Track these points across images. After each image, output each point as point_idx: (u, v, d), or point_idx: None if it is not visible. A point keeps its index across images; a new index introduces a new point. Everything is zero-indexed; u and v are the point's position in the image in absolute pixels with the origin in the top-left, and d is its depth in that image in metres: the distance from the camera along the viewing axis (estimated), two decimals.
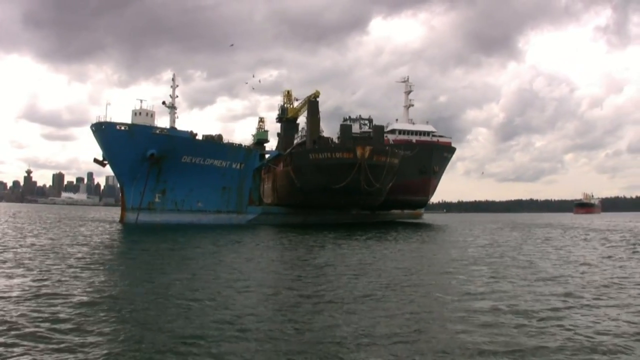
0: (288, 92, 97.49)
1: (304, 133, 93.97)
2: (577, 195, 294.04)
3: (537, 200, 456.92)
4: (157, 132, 64.91)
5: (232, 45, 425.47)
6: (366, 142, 78.21)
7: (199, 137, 70.01)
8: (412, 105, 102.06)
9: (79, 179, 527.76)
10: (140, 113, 67.71)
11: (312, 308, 13.88)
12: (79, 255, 25.91)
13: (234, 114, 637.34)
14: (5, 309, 13.06)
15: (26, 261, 22.82)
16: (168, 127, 69.56)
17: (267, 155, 79.12)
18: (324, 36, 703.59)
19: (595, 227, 77.26)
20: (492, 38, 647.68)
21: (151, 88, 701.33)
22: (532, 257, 28.53)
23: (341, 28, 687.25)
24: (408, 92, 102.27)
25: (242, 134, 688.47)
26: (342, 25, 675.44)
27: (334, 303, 14.56)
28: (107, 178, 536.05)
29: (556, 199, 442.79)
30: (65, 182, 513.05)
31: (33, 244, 31.20)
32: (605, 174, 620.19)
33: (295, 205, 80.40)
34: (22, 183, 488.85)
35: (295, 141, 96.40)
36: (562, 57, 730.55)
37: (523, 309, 13.96)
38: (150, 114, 68.60)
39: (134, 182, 65.66)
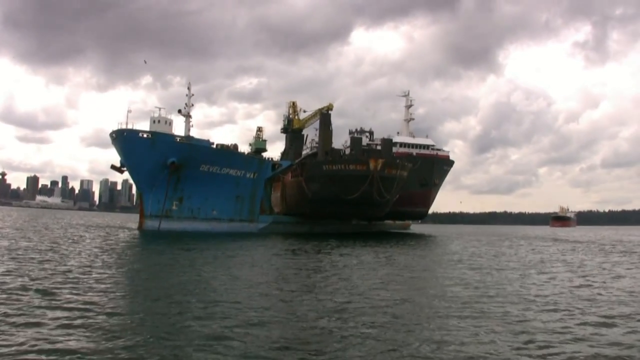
0: (293, 103, 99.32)
1: (314, 144, 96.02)
2: (551, 209, 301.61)
3: (511, 213, 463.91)
4: (178, 140, 65.89)
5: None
6: (378, 154, 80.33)
7: (213, 146, 71.13)
8: (413, 119, 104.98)
9: (54, 183, 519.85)
10: (159, 121, 68.36)
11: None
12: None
13: (210, 121, 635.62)
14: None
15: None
16: (183, 134, 70.46)
17: (278, 166, 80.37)
18: (304, 45, 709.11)
19: (603, 240, 79.65)
20: (472, 51, 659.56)
21: (130, 93, 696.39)
22: None
23: (322, 38, 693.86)
24: (408, 106, 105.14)
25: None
26: (323, 35, 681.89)
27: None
28: (82, 182, 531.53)
29: (530, 211, 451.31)
30: (39, 185, 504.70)
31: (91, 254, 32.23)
32: (579, 188, 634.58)
33: (304, 215, 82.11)
34: None
35: (304, 152, 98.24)
36: (540, 72, 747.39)
37: None
38: (169, 122, 69.31)
39: (153, 189, 66.27)
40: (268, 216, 78.95)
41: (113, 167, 70.56)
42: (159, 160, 63.44)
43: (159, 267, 25.79)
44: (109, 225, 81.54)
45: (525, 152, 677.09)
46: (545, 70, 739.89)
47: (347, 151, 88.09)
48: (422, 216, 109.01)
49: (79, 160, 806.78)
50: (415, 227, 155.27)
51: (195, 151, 65.92)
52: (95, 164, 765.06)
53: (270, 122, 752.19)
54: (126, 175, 71.54)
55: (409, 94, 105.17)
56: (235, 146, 74.78)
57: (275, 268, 27.27)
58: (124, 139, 63.97)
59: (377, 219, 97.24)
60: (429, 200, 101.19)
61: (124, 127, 64.14)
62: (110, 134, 66.24)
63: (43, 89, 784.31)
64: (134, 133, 63.60)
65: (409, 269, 28.75)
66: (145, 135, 63.52)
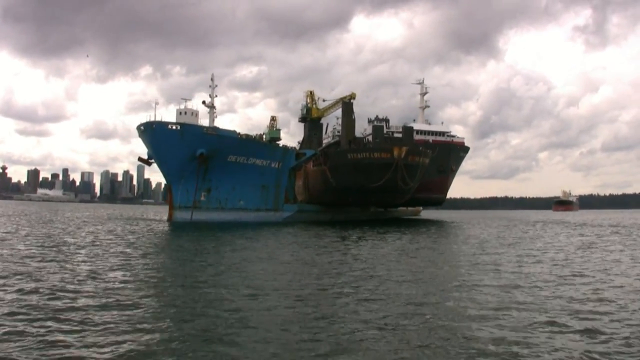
0: (311, 92, 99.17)
1: (336, 133, 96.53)
2: (551, 193, 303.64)
3: (512, 198, 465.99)
4: (205, 131, 65.97)
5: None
6: (400, 142, 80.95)
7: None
8: (428, 107, 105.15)
9: (54, 175, 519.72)
10: (185, 112, 68.43)
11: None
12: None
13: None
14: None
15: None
16: (207, 125, 70.56)
17: (301, 155, 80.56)
18: (304, 33, 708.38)
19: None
20: (472, 37, 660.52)
21: (129, 84, 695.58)
22: None
23: (322, 25, 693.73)
24: (423, 94, 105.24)
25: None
26: (323, 22, 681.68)
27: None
28: (83, 174, 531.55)
29: (530, 196, 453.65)
30: (40, 179, 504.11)
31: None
32: (580, 172, 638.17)
33: (328, 203, 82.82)
34: None
35: (325, 141, 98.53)
36: (540, 57, 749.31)
37: None
38: (195, 114, 69.36)
39: (182, 181, 66.55)
40: (292, 205, 79.30)
41: (141, 159, 70.95)
42: (188, 152, 63.58)
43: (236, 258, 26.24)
44: (133, 218, 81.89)
45: (526, 137, 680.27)
46: (545, 55, 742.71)
47: (369, 139, 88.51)
48: (440, 202, 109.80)
49: (79, 153, 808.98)
50: (424, 214, 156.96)
51: (223, 142, 66.03)
52: (95, 156, 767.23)
53: (271, 110, 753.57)
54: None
55: (423, 81, 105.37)
56: (261, 136, 75.12)
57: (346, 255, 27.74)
58: (153, 132, 63.91)
59: (394, 205, 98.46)
60: (446, 186, 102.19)
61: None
62: (138, 127, 66.30)
63: (43, 81, 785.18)
64: (162, 125, 63.59)
65: (479, 252, 29.27)
66: (174, 127, 63.50)
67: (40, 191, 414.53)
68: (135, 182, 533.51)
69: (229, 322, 11.95)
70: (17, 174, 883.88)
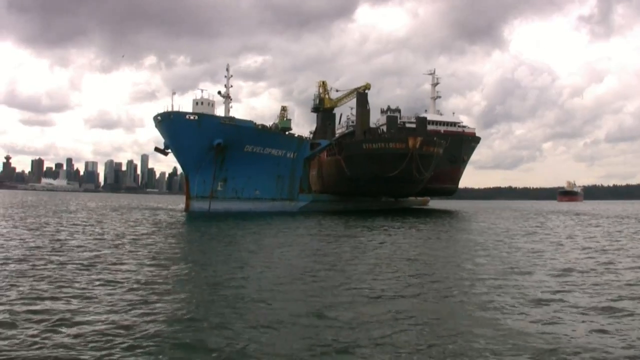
0: (323, 82, 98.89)
1: (350, 123, 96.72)
2: (555, 184, 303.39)
3: (515, 188, 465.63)
4: (223, 121, 66.12)
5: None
6: (415, 133, 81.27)
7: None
8: (440, 97, 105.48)
9: (58, 165, 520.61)
10: (202, 102, 68.61)
11: None
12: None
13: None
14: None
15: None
16: (223, 115, 70.70)
17: (316, 145, 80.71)
18: (308, 23, 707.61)
19: None
20: (477, 27, 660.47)
21: (134, 74, 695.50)
22: None
23: (326, 15, 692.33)
24: (435, 84, 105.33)
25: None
26: (327, 12, 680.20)
27: None
28: (87, 164, 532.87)
29: (534, 186, 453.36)
30: (44, 168, 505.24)
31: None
32: (584, 162, 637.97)
33: (342, 193, 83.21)
34: (0, 169, 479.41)
35: (339, 131, 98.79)
36: (545, 47, 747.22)
37: None
38: (211, 104, 69.55)
39: (199, 171, 66.82)
40: (307, 195, 79.61)
41: (157, 149, 71.13)
42: (206, 142, 63.71)
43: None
44: (150, 207, 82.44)
45: (530, 127, 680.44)
46: (549, 45, 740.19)
47: (383, 129, 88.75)
48: (452, 192, 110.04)
49: (83, 142, 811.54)
50: (431, 204, 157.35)
51: (240, 132, 66.15)
52: (99, 145, 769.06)
53: (275, 100, 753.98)
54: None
55: (435, 71, 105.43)
56: (276, 126, 75.33)
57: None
58: (170, 122, 64.02)
59: (407, 195, 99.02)
60: (457, 177, 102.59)
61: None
62: (155, 117, 66.41)
63: (47, 71, 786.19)
64: (180, 115, 63.69)
65: (511, 240, 29.67)
66: (191, 117, 63.64)
67: (44, 181, 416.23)
68: (139, 171, 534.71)
69: (306, 304, 12.40)
70: (21, 164, 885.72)
